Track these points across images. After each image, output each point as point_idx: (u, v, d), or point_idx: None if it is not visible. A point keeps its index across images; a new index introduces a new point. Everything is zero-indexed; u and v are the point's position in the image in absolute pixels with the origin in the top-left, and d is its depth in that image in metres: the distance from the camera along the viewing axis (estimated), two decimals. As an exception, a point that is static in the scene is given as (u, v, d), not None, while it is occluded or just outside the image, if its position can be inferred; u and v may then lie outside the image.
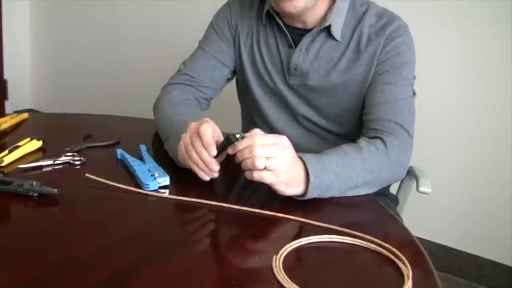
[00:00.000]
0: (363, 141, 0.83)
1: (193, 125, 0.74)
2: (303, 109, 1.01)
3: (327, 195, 0.75)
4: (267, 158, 0.67)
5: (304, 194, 0.72)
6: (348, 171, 0.76)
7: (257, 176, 0.68)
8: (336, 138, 1.00)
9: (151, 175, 0.77)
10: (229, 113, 1.30)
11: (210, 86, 1.02)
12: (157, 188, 0.76)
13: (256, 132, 0.70)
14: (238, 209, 0.70)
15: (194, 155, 0.73)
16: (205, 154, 0.72)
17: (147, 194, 0.74)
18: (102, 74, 2.48)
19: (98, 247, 0.59)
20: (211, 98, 1.05)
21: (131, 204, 0.72)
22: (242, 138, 0.69)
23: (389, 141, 0.83)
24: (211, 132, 0.71)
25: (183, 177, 0.79)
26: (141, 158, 0.85)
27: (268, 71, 1.00)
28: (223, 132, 0.76)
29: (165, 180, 0.77)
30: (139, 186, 0.76)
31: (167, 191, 0.76)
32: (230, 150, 0.70)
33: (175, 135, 0.82)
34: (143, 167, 0.81)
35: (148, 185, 0.75)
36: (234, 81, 1.09)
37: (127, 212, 0.69)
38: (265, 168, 0.67)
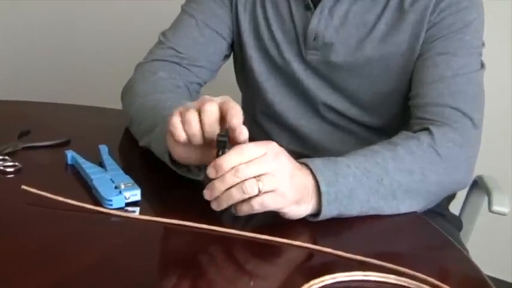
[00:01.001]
0: (400, 135, 0.85)
1: (188, 104, 0.74)
2: (324, 94, 1.02)
3: (353, 211, 0.75)
4: (258, 178, 0.68)
5: (319, 212, 0.73)
6: (376, 174, 0.77)
7: (256, 205, 0.68)
8: (371, 134, 1.02)
9: (116, 187, 0.78)
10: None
11: (204, 65, 1.04)
12: (123, 205, 0.76)
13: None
14: (236, 234, 0.71)
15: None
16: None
17: (110, 214, 0.75)
18: (50, 53, 2.49)
19: (38, 286, 0.59)
20: (205, 83, 1.06)
21: (86, 228, 0.72)
22: (224, 136, 0.70)
23: (440, 133, 0.83)
24: (217, 112, 0.71)
25: (161, 189, 0.79)
26: (101, 164, 0.86)
27: (277, 42, 1.02)
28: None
29: (135, 195, 0.77)
30: (98, 203, 0.76)
31: (137, 209, 0.76)
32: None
33: (165, 122, 0.79)
34: (104, 175, 0.81)
35: (110, 201, 0.75)
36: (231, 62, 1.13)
37: (80, 239, 0.70)
38: (260, 193, 0.68)
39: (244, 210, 0.69)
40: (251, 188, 0.67)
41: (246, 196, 0.67)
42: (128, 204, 0.76)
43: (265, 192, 0.68)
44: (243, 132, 0.69)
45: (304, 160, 0.75)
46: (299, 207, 0.72)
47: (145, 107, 0.91)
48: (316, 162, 0.75)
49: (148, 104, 0.91)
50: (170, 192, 0.80)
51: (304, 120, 1.04)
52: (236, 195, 0.68)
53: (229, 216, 0.73)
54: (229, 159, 0.67)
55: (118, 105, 1.04)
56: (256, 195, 0.68)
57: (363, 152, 0.80)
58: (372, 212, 0.77)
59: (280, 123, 1.07)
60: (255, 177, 0.67)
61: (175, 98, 0.91)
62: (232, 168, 0.67)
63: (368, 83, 0.99)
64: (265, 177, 0.68)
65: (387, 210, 0.78)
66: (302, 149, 1.05)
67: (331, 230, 0.74)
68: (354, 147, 0.82)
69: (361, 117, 1.02)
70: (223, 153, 0.69)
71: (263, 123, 1.11)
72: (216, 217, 0.74)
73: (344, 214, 0.75)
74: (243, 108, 1.15)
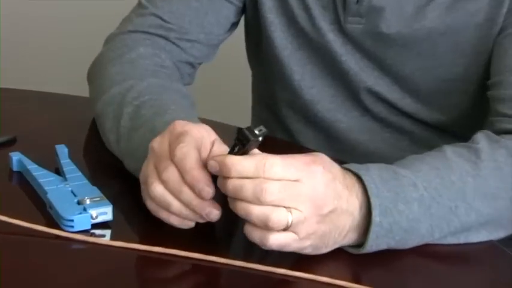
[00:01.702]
0: (482, 140, 0.82)
1: (161, 147, 0.73)
2: (369, 78, 1.00)
3: (406, 245, 0.75)
4: (289, 209, 0.67)
5: (362, 244, 0.73)
6: (449, 199, 0.76)
7: (274, 244, 0.68)
8: (431, 134, 1.01)
9: (78, 203, 0.77)
10: (230, 96, 1.34)
11: (199, 39, 1.03)
12: (89, 227, 0.76)
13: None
14: (243, 267, 0.71)
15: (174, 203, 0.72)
16: (192, 198, 0.70)
17: (70, 239, 0.74)
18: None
19: None
20: (200, 64, 1.06)
21: (37, 259, 0.72)
22: (261, 135, 0.68)
23: None
24: (195, 156, 0.70)
25: (139, 205, 0.77)
26: (58, 171, 0.85)
27: (306, 4, 1.01)
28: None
29: (105, 213, 0.76)
30: (55, 224, 0.75)
31: (108, 232, 0.76)
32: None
33: (148, 127, 0.81)
34: (62, 187, 0.80)
35: (72, 221, 0.74)
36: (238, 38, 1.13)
37: (27, 276, 0.69)
38: (288, 227, 0.67)
39: (255, 239, 0.68)
40: (278, 222, 0.66)
41: (269, 230, 0.67)
42: (95, 226, 0.76)
43: (289, 230, 0.68)
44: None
45: (352, 167, 0.73)
46: (326, 249, 0.73)
47: (117, 99, 0.90)
48: (371, 173, 0.73)
49: (121, 96, 0.90)
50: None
51: (341, 113, 1.03)
52: (253, 218, 0.67)
53: (224, 242, 0.75)
54: (251, 165, 0.66)
55: (81, 92, 1.03)
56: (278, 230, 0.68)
57: (433, 161, 0.77)
58: (432, 242, 0.77)
59: (307, 117, 1.06)
60: (286, 207, 0.67)
61: (158, 88, 0.91)
62: (253, 182, 0.66)
63: (429, 65, 0.97)
64: (299, 211, 0.67)
65: (452, 242, 0.78)
66: (335, 153, 1.02)
67: (378, 261, 0.74)
68: (406, 152, 0.81)
69: (418, 111, 1.01)
70: (242, 152, 0.68)
71: (284, 116, 1.10)
72: (214, 242, 0.75)
73: (394, 248, 0.75)
74: (256, 96, 1.19)
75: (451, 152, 0.79)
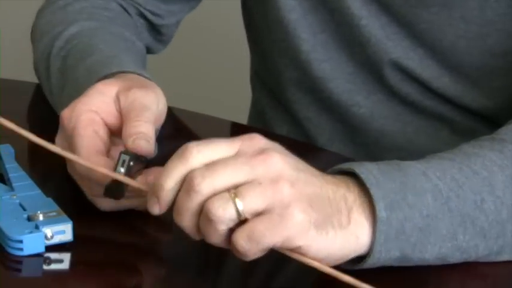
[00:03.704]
0: (509, 131, 0.78)
1: (71, 114, 0.73)
2: (397, 49, 0.94)
3: (425, 254, 0.68)
4: (233, 191, 0.62)
5: (369, 252, 0.66)
6: (473, 192, 0.69)
7: (242, 241, 0.62)
8: (476, 124, 0.95)
9: (29, 219, 0.71)
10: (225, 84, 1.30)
11: None
12: (42, 249, 0.69)
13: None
14: None
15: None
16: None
17: (17, 270, 0.69)
18: None
19: None
20: (154, 15, 1.01)
21: None
22: (136, 161, 0.68)
23: None
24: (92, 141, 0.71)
25: (109, 218, 0.73)
26: (2, 177, 0.79)
27: None
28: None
29: (63, 232, 0.70)
30: None
31: (68, 256, 0.69)
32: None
33: (73, 82, 0.80)
34: (7, 198, 0.75)
35: (20, 242, 0.68)
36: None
37: None
38: (241, 216, 0.61)
39: (234, 250, 0.62)
40: (222, 209, 0.60)
41: (220, 227, 0.61)
42: (50, 249, 0.69)
43: (254, 215, 0.62)
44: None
45: (339, 166, 0.68)
46: (327, 237, 0.63)
47: (45, 54, 0.88)
48: (366, 166, 0.67)
49: (49, 49, 0.89)
50: (123, 224, 0.74)
51: (362, 95, 0.95)
52: (201, 225, 0.62)
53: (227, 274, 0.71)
54: (175, 166, 0.63)
55: (32, 77, 0.99)
56: (239, 223, 0.62)
57: (445, 154, 0.71)
58: (455, 258, 0.69)
59: (319, 99, 0.98)
60: (227, 190, 0.62)
61: (91, 30, 0.89)
62: (185, 177, 0.63)
63: (476, 33, 0.90)
64: (245, 188, 0.61)
65: (482, 254, 0.70)
66: (354, 147, 0.99)
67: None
68: (446, 145, 0.76)
69: (459, 93, 0.93)
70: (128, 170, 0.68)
71: (289, 99, 1.03)
72: (204, 262, 0.71)
73: (409, 259, 0.67)
74: (254, 78, 1.15)
75: (468, 145, 0.74)
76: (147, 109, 0.72)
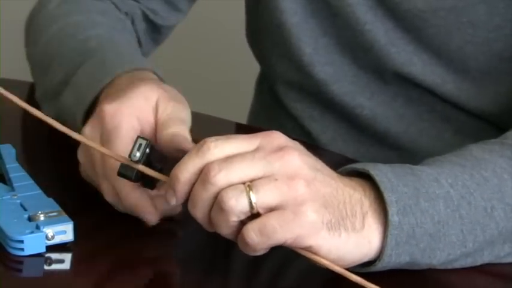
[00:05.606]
0: None
1: (92, 136, 0.73)
2: (402, 54, 0.93)
3: (433, 260, 0.69)
4: (247, 184, 0.62)
5: (379, 255, 0.66)
6: (483, 198, 0.70)
7: (253, 235, 0.62)
8: (482, 127, 0.95)
9: (29, 219, 0.71)
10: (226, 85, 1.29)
11: None
12: (43, 249, 0.69)
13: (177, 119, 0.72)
14: None
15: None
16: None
17: (18, 270, 0.68)
18: None
19: None
20: (151, 11, 1.01)
21: None
22: (152, 150, 0.68)
23: None
24: (128, 131, 0.71)
25: (112, 219, 0.73)
26: (2, 177, 0.79)
27: None
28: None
29: (64, 232, 0.69)
30: None
31: (69, 257, 0.69)
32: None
33: (90, 62, 0.80)
34: (8, 198, 0.75)
35: (21, 243, 0.68)
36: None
37: None
38: (254, 210, 0.62)
39: (242, 243, 0.63)
40: (235, 200, 0.61)
41: (231, 218, 0.62)
42: (51, 249, 0.69)
43: (267, 210, 0.62)
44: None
45: (352, 165, 0.69)
46: (339, 239, 0.64)
47: (52, 38, 0.90)
48: (380, 168, 0.67)
49: (56, 35, 0.90)
50: (125, 224, 0.73)
51: (365, 97, 0.96)
52: (213, 215, 0.63)
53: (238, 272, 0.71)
54: (192, 159, 0.64)
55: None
56: (250, 217, 0.62)
57: (456, 159, 0.71)
58: (462, 264, 0.70)
59: (321, 101, 0.99)
60: (242, 183, 0.62)
61: (101, 29, 0.91)
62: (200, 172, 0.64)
63: (484, 37, 0.90)
64: (260, 182, 0.62)
65: (489, 259, 0.71)
66: (358, 148, 0.99)
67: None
68: (450, 146, 0.77)
69: (465, 98, 0.94)
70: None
71: (290, 100, 1.04)
72: (210, 263, 0.71)
73: (417, 264, 0.68)
74: (257, 80, 1.18)
75: (478, 148, 0.74)
76: (184, 123, 0.73)
